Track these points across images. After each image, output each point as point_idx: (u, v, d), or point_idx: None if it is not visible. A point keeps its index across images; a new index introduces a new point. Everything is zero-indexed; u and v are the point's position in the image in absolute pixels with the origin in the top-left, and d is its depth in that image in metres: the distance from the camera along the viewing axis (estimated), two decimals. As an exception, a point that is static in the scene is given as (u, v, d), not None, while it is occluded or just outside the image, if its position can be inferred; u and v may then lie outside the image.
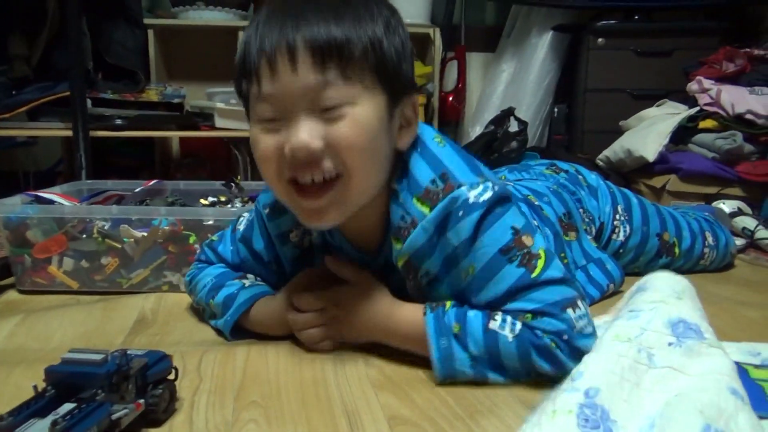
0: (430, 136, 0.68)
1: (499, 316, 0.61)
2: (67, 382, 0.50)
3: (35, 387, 0.50)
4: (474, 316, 0.62)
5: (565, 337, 0.58)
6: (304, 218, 0.65)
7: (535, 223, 0.81)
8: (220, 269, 0.81)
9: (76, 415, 0.46)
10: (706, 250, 1.07)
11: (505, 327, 0.60)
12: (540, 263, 0.61)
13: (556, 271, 0.62)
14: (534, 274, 0.61)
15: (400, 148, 0.65)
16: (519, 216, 0.64)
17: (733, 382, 0.47)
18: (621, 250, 1.00)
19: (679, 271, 1.03)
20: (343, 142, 0.59)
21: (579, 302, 0.61)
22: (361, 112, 0.59)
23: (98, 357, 0.52)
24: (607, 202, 1.00)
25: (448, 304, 0.64)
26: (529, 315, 0.60)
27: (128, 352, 0.54)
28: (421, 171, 0.65)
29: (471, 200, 0.62)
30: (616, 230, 1.00)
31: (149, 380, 0.54)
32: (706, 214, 1.17)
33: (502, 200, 0.63)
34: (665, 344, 0.52)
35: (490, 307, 0.62)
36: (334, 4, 0.59)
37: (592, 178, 1.03)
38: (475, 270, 0.62)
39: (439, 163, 0.65)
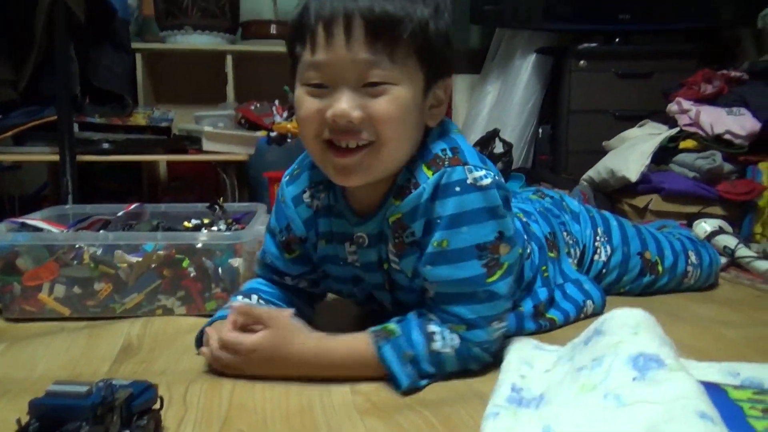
0: (453, 126, 0.75)
1: (438, 334, 0.67)
2: (51, 415, 0.50)
3: (18, 421, 0.50)
4: (416, 338, 0.67)
5: (487, 346, 0.70)
6: (334, 174, 0.69)
7: (525, 237, 0.87)
8: (247, 286, 0.85)
9: None
10: (690, 268, 1.09)
11: (446, 345, 0.67)
12: (498, 273, 0.68)
13: (504, 286, 0.69)
14: (488, 279, 0.68)
15: (430, 125, 0.71)
16: (510, 224, 0.70)
17: (700, 404, 0.48)
18: (604, 270, 1.03)
19: (664, 290, 1.08)
20: (380, 116, 0.64)
21: (504, 316, 0.71)
22: (400, 91, 0.64)
23: (83, 389, 0.51)
24: (588, 226, 1.03)
25: (394, 330, 0.68)
26: (463, 326, 0.68)
27: (113, 382, 0.54)
28: (436, 142, 0.71)
29: (469, 181, 0.66)
30: (598, 251, 1.02)
31: (134, 411, 0.54)
32: (691, 233, 1.20)
33: (505, 203, 0.69)
34: (629, 381, 0.53)
35: (437, 296, 0.69)
36: None
37: (575, 204, 1.08)
38: (446, 246, 0.67)
39: (453, 141, 0.71)
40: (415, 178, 0.69)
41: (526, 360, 0.71)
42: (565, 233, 0.98)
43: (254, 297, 0.81)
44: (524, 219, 0.92)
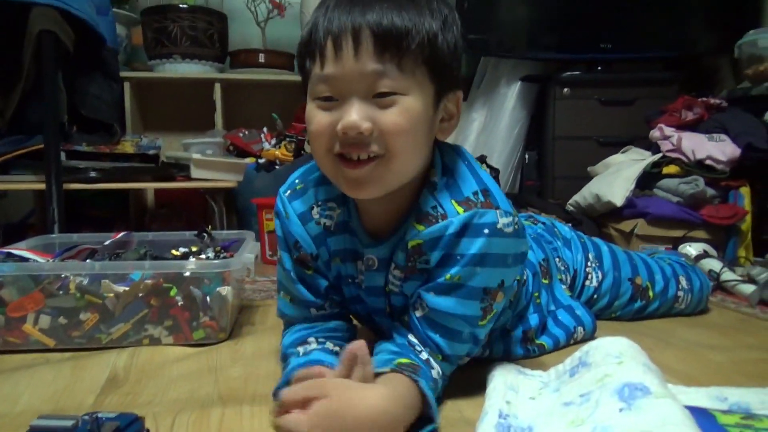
0: (472, 157, 0.75)
1: (431, 361, 0.68)
2: None
3: None
4: (426, 366, 0.67)
5: (448, 373, 0.72)
6: (347, 187, 0.68)
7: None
8: (286, 338, 0.80)
9: None
10: (680, 293, 1.10)
11: (438, 374, 0.68)
12: (488, 317, 0.71)
13: (484, 331, 0.72)
14: (480, 322, 0.70)
15: (441, 138, 0.71)
16: (512, 275, 0.71)
17: (688, 430, 0.48)
18: (595, 296, 1.04)
19: (655, 315, 1.09)
20: (390, 128, 0.63)
21: (471, 354, 0.74)
22: (410, 102, 0.64)
23: (68, 423, 0.51)
24: (579, 251, 1.04)
25: (410, 361, 0.66)
26: (440, 356, 0.70)
27: (99, 415, 0.54)
28: (467, 182, 0.70)
29: (498, 225, 0.67)
30: (589, 276, 1.03)
31: None
32: (682, 259, 1.21)
33: (522, 257, 0.71)
34: (617, 412, 0.54)
35: (426, 319, 0.69)
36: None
37: (566, 230, 1.08)
38: (459, 281, 0.67)
39: (483, 182, 0.71)
40: (443, 209, 0.69)
41: (511, 385, 0.71)
42: (557, 259, 1.00)
43: (312, 341, 0.76)
44: None
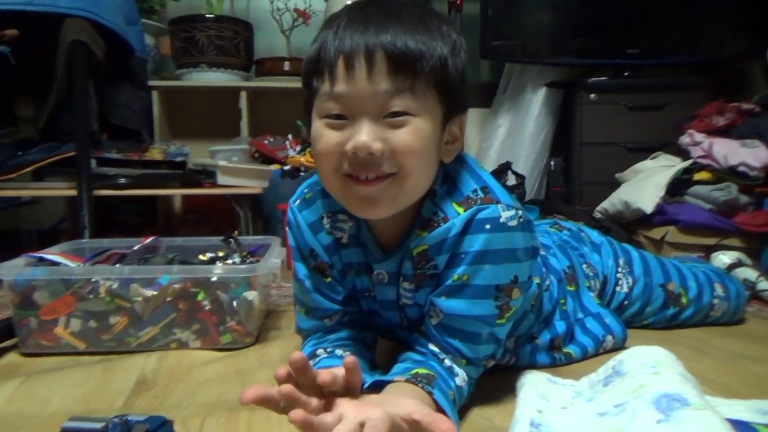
0: (474, 161, 0.75)
1: (455, 369, 0.68)
2: None
3: None
4: (447, 376, 0.66)
5: (476, 377, 0.71)
6: (358, 206, 0.67)
7: (544, 270, 0.87)
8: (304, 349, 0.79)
9: None
10: (716, 300, 1.06)
11: (462, 380, 0.68)
12: (507, 315, 0.69)
13: (504, 330, 0.71)
14: (498, 321, 0.69)
15: (445, 161, 0.70)
16: (526, 270, 0.70)
17: None
18: (626, 302, 1.02)
19: (690, 323, 1.06)
20: (402, 148, 0.63)
21: (496, 356, 0.72)
22: (421, 123, 0.64)
23: (99, 425, 0.52)
24: (609, 256, 1.02)
25: (429, 372, 0.65)
26: (464, 361, 0.69)
27: (129, 418, 0.55)
28: (466, 183, 0.70)
29: (501, 219, 0.66)
30: (620, 282, 1.01)
31: None
32: (716, 267, 1.18)
33: (533, 251, 0.70)
34: (654, 423, 0.52)
35: (442, 326, 0.69)
36: (413, 20, 0.64)
37: (595, 235, 1.07)
38: (467, 280, 0.67)
39: (482, 180, 0.71)
40: (444, 213, 0.69)
41: (542, 394, 0.70)
42: (585, 265, 0.98)
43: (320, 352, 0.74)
44: (542, 252, 0.92)
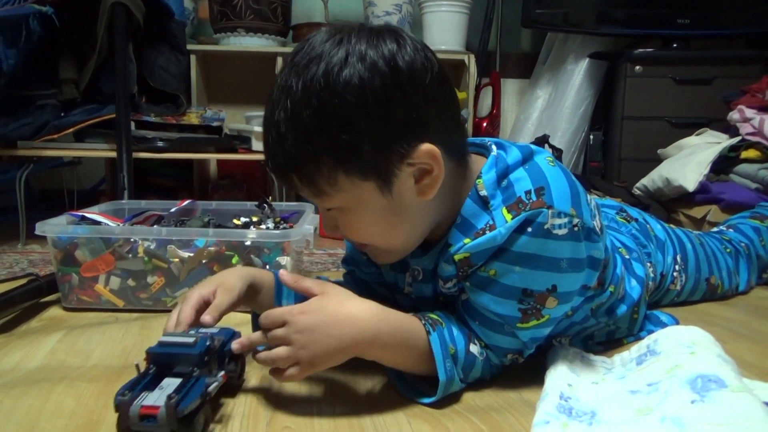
0: (543, 156, 0.68)
1: (474, 336, 0.67)
2: (165, 361, 0.58)
3: (137, 366, 0.58)
4: (458, 334, 0.66)
5: (495, 362, 0.69)
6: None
7: (622, 275, 0.80)
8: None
9: (183, 389, 0.54)
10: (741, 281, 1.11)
11: (478, 351, 0.67)
12: (533, 322, 0.65)
13: (531, 336, 0.67)
14: (519, 324, 0.65)
15: (425, 199, 0.63)
16: (573, 282, 0.66)
17: (764, 425, 0.46)
18: (676, 298, 1.03)
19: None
20: (354, 237, 0.67)
21: (523, 354, 0.69)
22: (357, 208, 0.63)
23: (190, 339, 0.59)
24: (670, 253, 0.99)
25: (439, 319, 0.66)
26: (482, 344, 0.68)
27: (207, 331, 0.62)
28: (522, 182, 0.64)
29: (546, 226, 0.61)
30: (675, 281, 1.00)
31: (226, 355, 0.63)
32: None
33: (582, 263, 0.65)
34: (688, 403, 0.51)
35: (468, 305, 0.67)
36: (289, 121, 0.58)
37: (659, 229, 1.01)
38: (494, 276, 0.64)
39: (542, 178, 0.64)
40: (493, 220, 0.63)
41: (573, 368, 0.69)
42: (648, 264, 0.92)
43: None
44: (627, 256, 0.87)
